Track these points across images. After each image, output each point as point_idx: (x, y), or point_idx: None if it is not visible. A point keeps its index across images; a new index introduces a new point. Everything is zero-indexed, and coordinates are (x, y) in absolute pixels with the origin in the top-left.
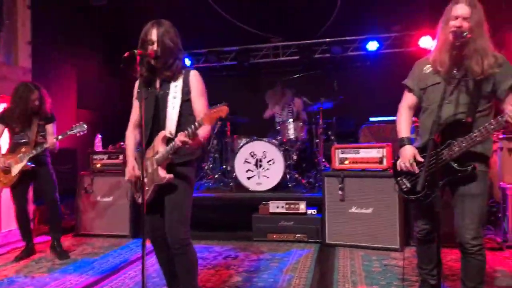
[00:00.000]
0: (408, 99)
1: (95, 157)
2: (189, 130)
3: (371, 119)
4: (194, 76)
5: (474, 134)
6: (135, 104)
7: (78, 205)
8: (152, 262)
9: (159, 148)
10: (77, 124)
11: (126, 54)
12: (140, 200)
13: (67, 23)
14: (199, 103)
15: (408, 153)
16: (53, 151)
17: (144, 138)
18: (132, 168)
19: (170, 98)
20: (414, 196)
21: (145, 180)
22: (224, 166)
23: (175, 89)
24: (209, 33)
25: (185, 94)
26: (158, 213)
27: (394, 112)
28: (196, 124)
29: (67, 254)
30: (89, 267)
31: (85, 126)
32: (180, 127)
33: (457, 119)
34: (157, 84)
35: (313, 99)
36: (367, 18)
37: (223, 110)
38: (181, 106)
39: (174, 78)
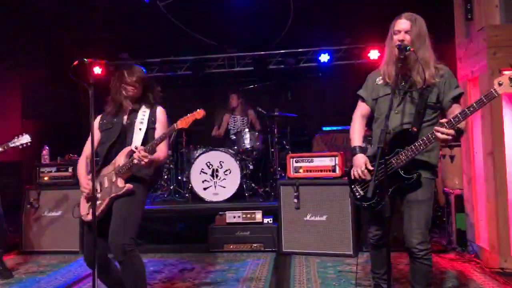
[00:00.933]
0: (361, 109)
1: (42, 169)
2: (149, 145)
3: (324, 128)
4: (161, 111)
5: (418, 143)
6: (96, 132)
7: (22, 221)
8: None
9: (121, 161)
10: (20, 136)
11: (75, 63)
12: (88, 218)
13: (5, 31)
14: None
15: (360, 161)
16: None
17: (101, 161)
18: (87, 184)
19: (137, 123)
20: (366, 203)
21: (99, 195)
22: (179, 177)
23: (143, 117)
24: (163, 43)
25: (151, 124)
26: (102, 234)
27: (345, 121)
28: (154, 141)
29: (10, 272)
30: (35, 286)
31: (29, 138)
32: (144, 144)
33: (403, 129)
34: (125, 115)
35: (267, 109)
36: (319, 31)
37: (199, 113)
38: (146, 131)
39: (143, 108)
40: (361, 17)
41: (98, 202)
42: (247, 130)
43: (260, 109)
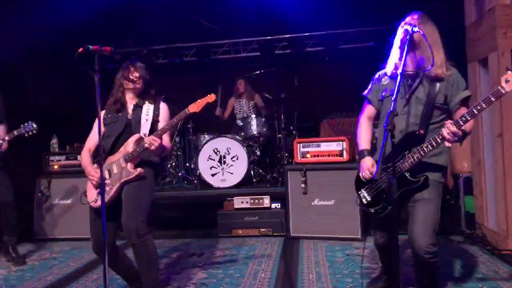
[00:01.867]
0: (368, 111)
1: (51, 158)
2: (159, 130)
3: (331, 113)
4: (164, 106)
5: (425, 145)
6: (96, 128)
7: (34, 209)
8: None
9: (130, 147)
10: (26, 124)
11: (80, 50)
12: (96, 204)
13: (7, 15)
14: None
15: (368, 164)
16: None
17: (107, 150)
18: (96, 172)
19: (143, 117)
20: (373, 209)
21: (108, 181)
22: (187, 164)
23: (147, 111)
24: (168, 29)
25: (155, 116)
26: (111, 221)
27: (353, 106)
28: (163, 127)
29: (24, 260)
30: (48, 272)
31: (35, 126)
32: (151, 133)
33: (410, 131)
34: (130, 109)
35: (274, 95)
36: (326, 14)
37: (210, 97)
38: (152, 123)
39: (147, 104)
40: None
41: (108, 188)
42: (253, 116)
43: (266, 94)
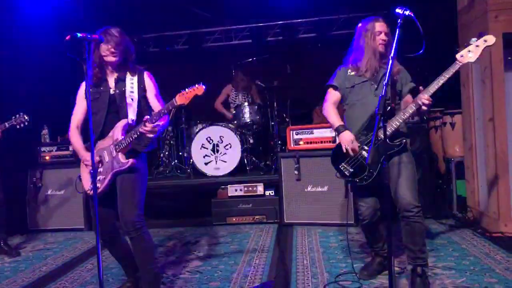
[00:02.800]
0: (333, 97)
1: (43, 149)
2: (153, 116)
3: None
4: (149, 76)
5: (401, 114)
6: (80, 103)
7: (27, 201)
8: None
9: (119, 136)
10: (17, 115)
11: (67, 37)
12: (92, 192)
13: None
14: (155, 100)
15: (348, 136)
16: None
17: (97, 134)
18: (89, 156)
19: (127, 92)
20: (358, 178)
21: (101, 169)
22: (180, 153)
23: (131, 85)
24: (158, 17)
25: (141, 91)
26: (109, 208)
27: None
28: (159, 111)
29: (17, 251)
30: (43, 263)
31: (26, 117)
32: (139, 117)
33: (386, 104)
34: (111, 84)
35: (266, 83)
36: (317, 0)
37: (199, 88)
38: (139, 100)
39: (130, 76)
40: None
41: (101, 177)
42: (246, 104)
43: (259, 82)
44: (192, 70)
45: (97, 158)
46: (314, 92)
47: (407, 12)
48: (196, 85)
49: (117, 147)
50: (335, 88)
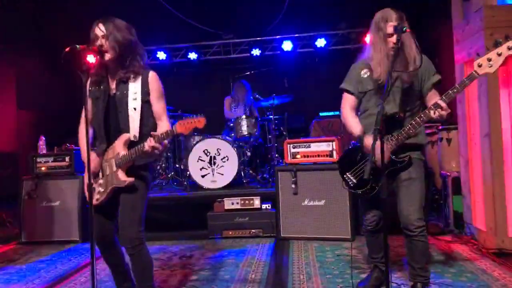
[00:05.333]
0: (349, 101)
1: (39, 160)
2: (159, 135)
3: (321, 114)
4: (153, 77)
5: (408, 127)
6: (88, 101)
7: (21, 212)
8: (103, 266)
9: (121, 151)
10: None
11: (67, 49)
12: (95, 201)
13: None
14: (159, 106)
15: (369, 142)
16: None
17: (99, 139)
18: (93, 161)
19: (130, 99)
20: (361, 190)
21: (101, 181)
22: (177, 165)
23: (135, 90)
24: (158, 30)
25: (144, 95)
26: (109, 216)
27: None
28: (167, 131)
29: None
30: (36, 276)
31: None
32: (142, 128)
33: (390, 114)
34: (113, 85)
35: (264, 96)
36: (315, 15)
37: (200, 121)
38: (142, 108)
39: (132, 79)
40: (357, 1)
41: (100, 189)
42: (244, 116)
43: (257, 96)
44: (191, 82)
45: (98, 168)
46: (311, 106)
47: (404, 28)
48: (197, 117)
49: (117, 162)
50: (349, 92)
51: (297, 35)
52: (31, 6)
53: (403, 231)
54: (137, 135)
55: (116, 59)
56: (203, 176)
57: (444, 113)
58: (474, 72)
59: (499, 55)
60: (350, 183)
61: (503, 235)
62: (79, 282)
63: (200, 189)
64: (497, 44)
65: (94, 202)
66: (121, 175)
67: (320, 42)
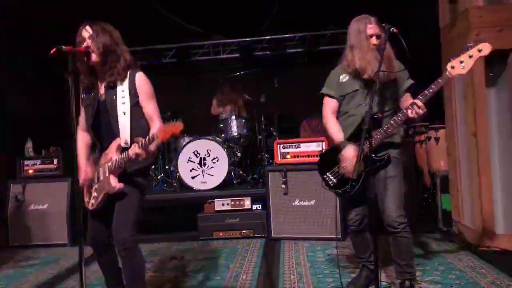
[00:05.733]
0: (330, 105)
1: (26, 162)
2: (142, 141)
3: (311, 114)
4: (140, 78)
5: (386, 127)
6: (82, 108)
7: (8, 215)
8: (93, 269)
9: (113, 156)
10: None
11: (52, 51)
12: (90, 207)
13: None
14: (149, 107)
15: (353, 153)
16: None
17: (96, 145)
18: (85, 170)
19: (118, 104)
20: (341, 190)
21: (96, 187)
22: (167, 167)
23: (122, 93)
24: (147, 30)
25: (133, 98)
26: (104, 221)
27: None
28: (148, 137)
29: None
30: (24, 280)
31: None
32: (133, 132)
33: (371, 114)
34: (101, 90)
35: (254, 96)
36: (304, 16)
37: (177, 127)
38: (131, 111)
39: (119, 82)
40: (344, 2)
41: (95, 194)
42: (234, 117)
43: (247, 96)
44: (180, 83)
45: (93, 175)
46: (301, 106)
47: (392, 29)
48: (174, 123)
49: (109, 167)
50: (330, 96)
51: (286, 35)
52: (18, 10)
53: (387, 229)
54: (128, 140)
55: (102, 61)
56: (193, 177)
57: (420, 111)
58: (447, 73)
59: (470, 57)
60: (330, 183)
61: (490, 233)
62: (68, 286)
63: (191, 190)
64: (467, 48)
65: (89, 207)
66: (113, 180)
67: (310, 43)
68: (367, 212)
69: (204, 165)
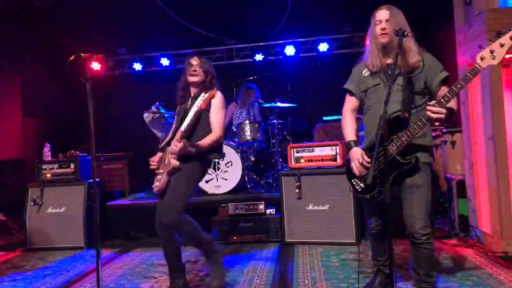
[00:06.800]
0: (350, 103)
1: (44, 166)
2: (182, 133)
3: (325, 118)
4: (218, 96)
5: (412, 128)
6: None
7: (27, 218)
8: (109, 272)
9: (175, 141)
10: None
11: (71, 58)
12: (155, 189)
13: (6, 28)
14: (215, 117)
15: (357, 154)
16: None
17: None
18: (154, 157)
19: (193, 107)
20: (369, 195)
21: (161, 170)
22: None
23: (199, 100)
24: (161, 37)
25: (204, 105)
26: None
27: None
28: (197, 110)
29: None
30: (41, 282)
31: None
32: (194, 127)
33: (395, 115)
34: (189, 100)
35: (267, 100)
36: (317, 20)
37: (212, 93)
38: (200, 113)
39: (203, 94)
40: (359, 5)
41: (159, 176)
42: (247, 121)
43: (260, 100)
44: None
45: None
46: (314, 110)
47: (406, 33)
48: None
49: (170, 151)
50: (351, 93)
51: (299, 39)
52: (37, 14)
53: (409, 238)
54: (183, 129)
55: (200, 81)
56: (207, 182)
57: (433, 116)
58: (477, 65)
59: (502, 45)
60: (358, 188)
61: (508, 239)
62: None
63: (204, 195)
64: (499, 35)
65: (154, 190)
66: (172, 160)
67: (323, 47)
68: (388, 218)
69: (218, 169)
